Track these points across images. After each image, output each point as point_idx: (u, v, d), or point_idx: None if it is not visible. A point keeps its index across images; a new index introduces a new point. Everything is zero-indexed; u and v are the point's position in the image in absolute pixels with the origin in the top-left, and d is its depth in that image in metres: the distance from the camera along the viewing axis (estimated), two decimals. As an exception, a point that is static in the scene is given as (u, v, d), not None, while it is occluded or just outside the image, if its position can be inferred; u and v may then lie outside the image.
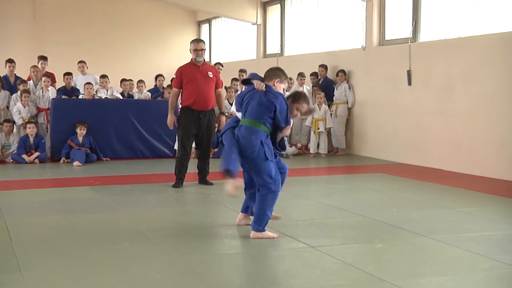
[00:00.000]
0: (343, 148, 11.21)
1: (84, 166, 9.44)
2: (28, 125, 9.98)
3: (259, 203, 4.62)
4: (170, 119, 7.39)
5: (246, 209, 5.09)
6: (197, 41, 7.44)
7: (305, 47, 13.02)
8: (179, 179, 7.42)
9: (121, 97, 11.26)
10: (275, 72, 4.91)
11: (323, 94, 11.00)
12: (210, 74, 7.39)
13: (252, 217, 4.86)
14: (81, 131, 9.96)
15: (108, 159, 10.23)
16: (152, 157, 10.55)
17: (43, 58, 11.42)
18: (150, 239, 4.71)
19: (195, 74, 7.31)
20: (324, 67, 11.53)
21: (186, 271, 3.88)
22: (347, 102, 11.12)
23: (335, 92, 11.21)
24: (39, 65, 11.22)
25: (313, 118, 10.90)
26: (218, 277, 3.76)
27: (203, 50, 7.33)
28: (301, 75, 11.64)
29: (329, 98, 11.24)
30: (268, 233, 4.67)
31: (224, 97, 7.85)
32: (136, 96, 11.78)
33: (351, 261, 4.11)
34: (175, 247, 4.48)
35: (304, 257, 4.22)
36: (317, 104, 10.91)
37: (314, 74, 11.69)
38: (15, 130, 10.48)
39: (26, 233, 4.93)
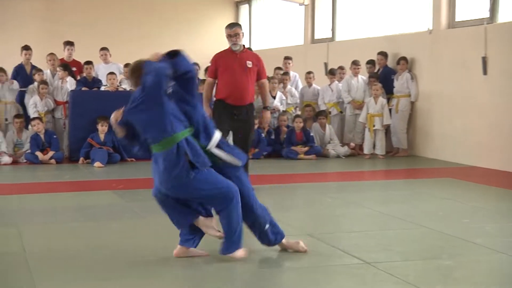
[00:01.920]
0: (404, 148, 11.07)
1: (106, 168, 9.61)
2: (33, 122, 10.17)
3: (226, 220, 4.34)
4: (206, 112, 7.40)
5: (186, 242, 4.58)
6: (230, 25, 7.46)
7: (361, 31, 12.91)
8: None
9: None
10: None
11: (380, 85, 10.89)
12: (249, 64, 7.37)
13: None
14: (102, 128, 10.13)
15: (133, 159, 10.36)
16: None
17: (69, 43, 11.60)
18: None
19: (231, 63, 7.33)
20: (382, 54, 11.41)
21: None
22: (410, 95, 10.98)
23: (395, 83, 11.08)
24: (66, 52, 11.42)
25: (367, 113, 10.82)
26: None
27: (237, 35, 7.32)
28: (355, 63, 11.56)
29: (389, 91, 11.12)
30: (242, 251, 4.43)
31: (267, 89, 7.87)
32: (165, 88, 11.90)
33: (413, 280, 4.05)
34: (215, 260, 4.50)
35: (358, 275, 4.19)
36: (373, 97, 10.81)
37: (370, 63, 11.58)
38: (30, 127, 10.74)
39: (41, 244, 5.05)
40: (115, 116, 4.30)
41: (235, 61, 7.33)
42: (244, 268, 4.33)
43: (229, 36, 7.34)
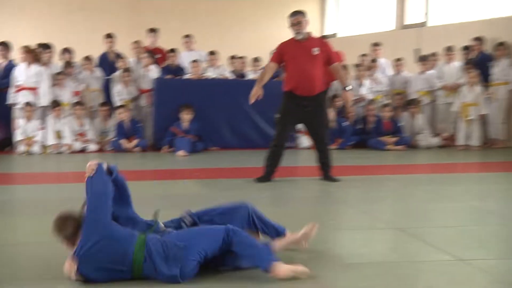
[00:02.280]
0: (501, 139, 10.68)
1: (190, 156, 9.76)
2: (118, 110, 10.47)
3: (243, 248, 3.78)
4: (255, 92, 7.16)
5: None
6: (292, 14, 7.25)
7: (456, 14, 12.51)
8: (266, 172, 7.39)
9: (232, 77, 11.49)
10: None
11: (477, 72, 10.53)
12: (316, 51, 7.16)
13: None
14: (186, 116, 10.29)
15: (216, 148, 10.49)
16: (267, 147, 10.63)
17: (153, 31, 11.86)
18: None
19: (296, 52, 7.16)
20: (478, 39, 11.03)
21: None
22: (508, 83, 10.58)
23: (493, 71, 10.69)
24: (149, 39, 11.69)
25: (462, 102, 10.49)
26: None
27: (300, 24, 7.15)
28: (449, 49, 11.22)
29: (486, 78, 10.73)
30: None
31: (341, 70, 7.63)
32: (250, 76, 11.88)
33: (511, 280, 3.88)
34: (304, 254, 4.47)
35: (450, 272, 4.05)
36: (469, 85, 10.46)
37: (466, 48, 11.22)
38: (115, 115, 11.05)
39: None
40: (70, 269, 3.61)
41: (300, 50, 7.16)
42: (327, 263, 4.27)
43: (292, 25, 7.19)
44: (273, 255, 3.74)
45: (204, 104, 10.49)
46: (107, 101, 10.94)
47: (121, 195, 3.97)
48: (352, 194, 6.98)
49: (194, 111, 10.35)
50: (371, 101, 11.37)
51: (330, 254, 4.47)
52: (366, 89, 11.56)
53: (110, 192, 3.84)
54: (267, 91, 10.84)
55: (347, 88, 7.51)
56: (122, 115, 10.41)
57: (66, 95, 10.62)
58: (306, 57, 7.16)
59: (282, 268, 3.65)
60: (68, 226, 3.71)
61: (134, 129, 10.46)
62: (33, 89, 10.33)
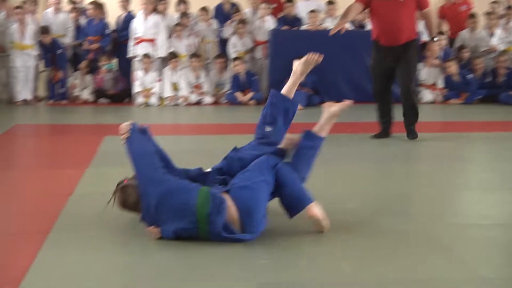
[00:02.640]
0: None
1: (305, 110, 9.70)
2: (235, 62, 10.53)
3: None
4: (337, 26, 6.81)
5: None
6: None
7: None
8: (382, 128, 7.27)
9: (351, 28, 11.24)
10: None
11: None
12: None
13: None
14: (302, 68, 10.21)
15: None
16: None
17: None
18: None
19: None
20: None
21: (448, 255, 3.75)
22: None
23: None
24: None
25: None
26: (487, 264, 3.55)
27: None
28: None
29: None
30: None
31: (431, 18, 7.20)
32: (369, 27, 11.61)
33: None
34: (425, 215, 4.35)
35: None
36: None
37: None
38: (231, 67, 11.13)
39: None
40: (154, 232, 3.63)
41: None
42: (450, 223, 4.12)
43: None
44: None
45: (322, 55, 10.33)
46: (223, 53, 11.03)
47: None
48: (479, 151, 6.69)
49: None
50: (503, 52, 10.77)
51: (456, 214, 4.31)
52: (497, 39, 10.95)
53: (152, 148, 3.80)
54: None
55: (434, 39, 7.24)
56: (237, 68, 10.48)
57: (182, 47, 10.81)
58: (392, 2, 6.77)
59: (318, 209, 3.73)
60: (129, 195, 3.73)
61: (249, 82, 10.51)
62: (151, 41, 10.59)
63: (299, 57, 10.35)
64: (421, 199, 4.81)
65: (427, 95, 10.66)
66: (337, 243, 3.63)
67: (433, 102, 10.65)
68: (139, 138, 3.81)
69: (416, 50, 6.99)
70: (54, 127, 8.43)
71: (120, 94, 10.80)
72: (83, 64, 10.73)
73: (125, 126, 3.82)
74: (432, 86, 10.80)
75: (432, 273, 3.21)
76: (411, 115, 7.15)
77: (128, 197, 3.74)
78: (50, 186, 5.10)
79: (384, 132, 7.20)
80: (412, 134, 7.09)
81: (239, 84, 10.47)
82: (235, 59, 10.62)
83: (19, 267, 3.27)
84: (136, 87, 10.42)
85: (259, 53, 11.06)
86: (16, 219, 4.18)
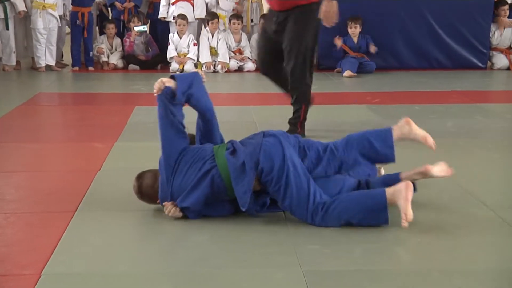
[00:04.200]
0: None
1: (359, 78, 9.63)
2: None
3: None
4: None
5: None
6: None
7: None
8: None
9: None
10: None
11: None
12: None
13: None
14: (353, 30, 10.09)
15: (391, 69, 10.27)
16: (454, 68, 10.29)
17: None
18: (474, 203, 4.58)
19: None
20: None
21: None
22: None
23: None
24: None
25: None
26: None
27: None
28: None
29: None
30: None
31: None
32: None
33: None
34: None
35: None
36: None
37: None
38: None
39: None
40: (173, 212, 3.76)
41: None
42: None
43: None
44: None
45: (376, 16, 10.21)
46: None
47: (204, 123, 4.06)
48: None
49: (362, 23, 10.11)
50: None
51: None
52: None
53: (169, 113, 3.84)
54: (455, 7, 10.43)
55: None
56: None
57: (223, 7, 10.78)
58: None
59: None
60: (146, 178, 3.87)
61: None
62: (187, 0, 10.60)
63: (351, 16, 9.74)
64: (487, 182, 4.75)
65: (501, 60, 10.45)
66: (394, 230, 3.62)
67: (508, 68, 10.44)
68: (160, 101, 3.87)
69: (310, 18, 5.64)
70: (80, 96, 8.52)
71: (152, 60, 10.85)
72: (111, 26, 10.80)
73: (159, 82, 3.89)
74: (507, 50, 10.58)
75: (500, 263, 3.19)
76: (294, 109, 6.17)
77: (145, 181, 3.86)
78: (76, 161, 5.18)
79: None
80: (292, 129, 6.03)
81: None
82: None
83: (44, 247, 3.36)
84: (170, 52, 10.45)
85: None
86: (41, 196, 4.26)
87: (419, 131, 4.11)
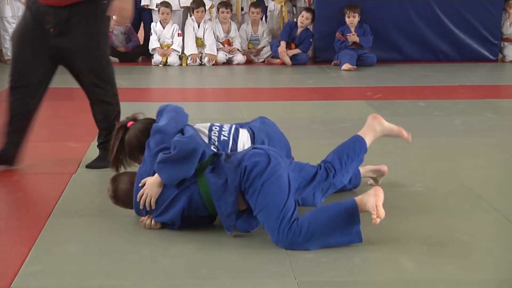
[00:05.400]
0: None
1: (358, 71, 9.64)
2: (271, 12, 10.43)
3: None
4: None
5: None
6: None
7: None
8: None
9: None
10: None
11: None
12: None
13: None
14: (352, 19, 10.09)
15: (392, 61, 10.30)
16: (462, 60, 10.32)
17: None
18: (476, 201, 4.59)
19: None
20: None
21: None
22: None
23: None
24: None
25: None
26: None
27: None
28: None
29: None
30: None
31: None
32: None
33: None
34: None
35: None
36: None
37: None
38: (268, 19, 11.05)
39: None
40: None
41: None
42: None
43: None
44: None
45: (376, 3, 10.22)
46: (259, 1, 10.95)
47: None
48: None
49: (361, 12, 10.10)
50: None
51: None
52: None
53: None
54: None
55: None
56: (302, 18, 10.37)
57: (208, -6, 10.78)
58: None
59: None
60: (121, 182, 3.81)
61: (301, 38, 10.38)
62: (169, -14, 10.58)
63: (348, 4, 9.89)
64: (498, 184, 4.76)
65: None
66: (396, 236, 3.62)
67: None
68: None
69: (102, 18, 4.94)
70: (53, 91, 8.35)
71: (133, 52, 10.83)
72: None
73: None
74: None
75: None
76: (100, 131, 5.20)
77: (120, 185, 3.81)
78: (49, 163, 5.16)
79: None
80: (96, 163, 5.01)
81: (291, 35, 10.30)
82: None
83: (13, 258, 3.34)
84: (152, 43, 10.43)
85: (302, 1, 10.97)
86: (9, 202, 4.25)
87: (391, 125, 4.31)
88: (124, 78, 8.99)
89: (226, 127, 4.11)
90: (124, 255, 3.43)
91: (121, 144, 3.90)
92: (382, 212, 3.41)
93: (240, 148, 3.98)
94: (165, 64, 10.25)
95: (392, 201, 4.18)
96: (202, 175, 3.61)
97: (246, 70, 10.17)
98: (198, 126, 4.04)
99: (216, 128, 4.07)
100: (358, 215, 3.47)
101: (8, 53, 10.13)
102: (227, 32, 10.60)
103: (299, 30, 10.28)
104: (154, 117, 3.95)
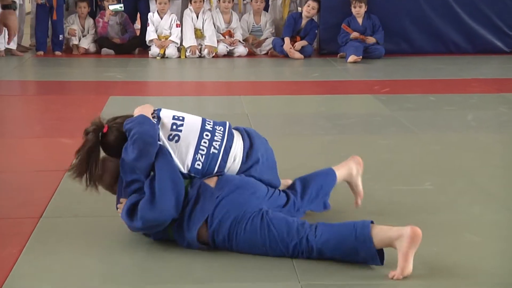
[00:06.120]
0: None
1: (365, 64, 9.62)
2: (272, 2, 10.42)
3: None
4: None
5: None
6: None
7: None
8: None
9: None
10: None
11: None
12: None
13: None
14: (358, 10, 10.07)
15: (401, 53, 10.29)
16: (474, 52, 10.31)
17: None
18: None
19: None
20: None
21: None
22: None
23: None
24: None
25: None
26: None
27: None
28: None
29: None
30: None
31: None
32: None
33: None
34: None
35: None
36: None
37: None
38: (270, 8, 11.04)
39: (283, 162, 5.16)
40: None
41: None
42: None
43: None
44: None
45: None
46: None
47: None
48: None
49: (368, 2, 10.09)
50: None
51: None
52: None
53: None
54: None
55: None
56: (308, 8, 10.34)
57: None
58: None
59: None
60: (107, 173, 3.70)
61: (307, 28, 10.34)
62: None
63: None
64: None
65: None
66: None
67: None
68: None
69: None
70: (46, 85, 8.50)
71: (129, 43, 10.83)
72: (83, 4, 10.74)
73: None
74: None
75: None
76: None
77: (105, 176, 3.71)
78: (42, 160, 5.17)
79: None
80: None
81: (295, 27, 10.28)
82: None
83: (4, 259, 3.35)
84: (150, 34, 10.42)
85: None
86: (1, 200, 4.23)
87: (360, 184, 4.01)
88: (120, 71, 9.01)
89: (218, 134, 3.74)
90: (119, 258, 3.43)
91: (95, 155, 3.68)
92: (409, 269, 3.22)
93: (230, 162, 3.70)
94: (163, 56, 10.24)
95: (401, 200, 4.19)
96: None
97: (248, 62, 10.17)
98: (186, 130, 3.70)
99: (207, 136, 3.71)
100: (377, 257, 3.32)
101: None
102: (228, 22, 10.58)
103: (304, 21, 10.26)
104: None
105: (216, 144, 3.69)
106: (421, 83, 8.31)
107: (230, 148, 3.72)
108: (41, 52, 10.52)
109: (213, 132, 3.73)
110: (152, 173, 3.53)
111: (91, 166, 3.58)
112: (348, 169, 3.96)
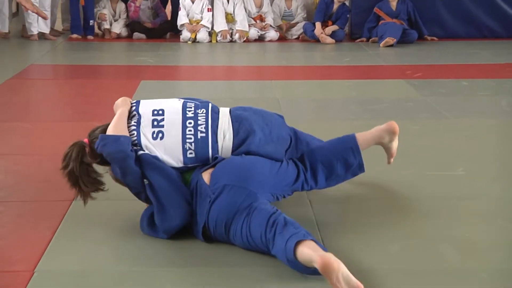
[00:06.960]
0: None
1: (398, 48, 9.58)
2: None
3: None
4: None
5: None
6: None
7: None
8: None
9: None
10: None
11: None
12: None
13: None
14: (394, -6, 10.06)
15: (435, 38, 10.21)
16: (509, 37, 10.22)
17: None
18: None
19: None
20: None
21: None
22: None
23: None
24: None
25: None
26: None
27: None
28: None
29: None
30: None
31: None
32: None
33: None
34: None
35: None
36: None
37: None
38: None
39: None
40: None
41: None
42: None
43: None
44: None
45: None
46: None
47: None
48: None
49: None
50: None
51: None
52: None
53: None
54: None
55: None
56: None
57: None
58: None
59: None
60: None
61: (339, 13, 10.29)
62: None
63: None
64: None
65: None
66: (436, 223, 3.62)
67: None
68: None
69: None
70: (78, 69, 8.55)
71: (160, 28, 10.85)
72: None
73: None
74: None
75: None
76: None
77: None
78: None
79: None
80: None
81: (326, 13, 10.24)
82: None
83: (37, 241, 3.40)
84: (181, 19, 10.44)
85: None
86: (34, 183, 4.29)
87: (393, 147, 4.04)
88: (151, 55, 9.04)
89: (201, 118, 3.67)
90: (151, 240, 3.46)
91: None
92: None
93: (220, 140, 3.63)
94: (194, 40, 10.26)
95: (433, 185, 4.18)
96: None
97: (279, 47, 10.16)
98: (168, 124, 3.64)
99: (190, 124, 3.64)
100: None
101: (32, 28, 10.22)
102: (260, 7, 10.57)
103: (336, 5, 10.21)
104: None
105: (201, 128, 3.64)
106: (454, 68, 8.26)
107: (217, 127, 3.66)
108: (76, 35, 10.55)
109: (195, 118, 3.67)
110: (146, 181, 3.52)
111: (80, 185, 3.58)
112: (378, 137, 3.97)
